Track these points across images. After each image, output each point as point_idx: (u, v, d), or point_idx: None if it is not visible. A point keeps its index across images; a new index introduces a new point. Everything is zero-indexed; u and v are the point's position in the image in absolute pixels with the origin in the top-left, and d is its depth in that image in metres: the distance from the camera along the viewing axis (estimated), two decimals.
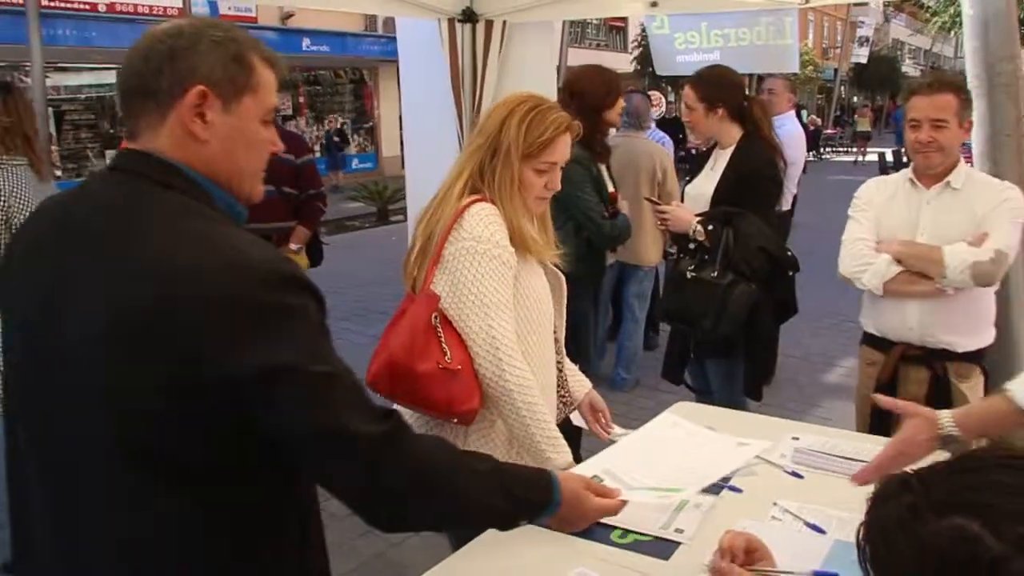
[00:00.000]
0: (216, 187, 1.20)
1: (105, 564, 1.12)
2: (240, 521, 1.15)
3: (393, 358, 1.98)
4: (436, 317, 1.95)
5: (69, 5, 14.61)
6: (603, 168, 3.57)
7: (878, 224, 2.80)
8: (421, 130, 4.44)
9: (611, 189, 3.58)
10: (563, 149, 2.07)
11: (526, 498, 1.40)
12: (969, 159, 3.04)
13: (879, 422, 2.65)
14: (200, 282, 1.05)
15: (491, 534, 1.92)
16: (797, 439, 2.26)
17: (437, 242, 1.99)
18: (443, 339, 1.94)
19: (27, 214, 2.89)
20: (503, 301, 1.93)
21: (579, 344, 3.79)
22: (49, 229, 1.21)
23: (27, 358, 1.17)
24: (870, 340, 2.95)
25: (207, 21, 1.22)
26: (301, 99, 21.46)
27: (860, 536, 1.02)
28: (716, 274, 3.01)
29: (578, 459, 2.98)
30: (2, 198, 3.03)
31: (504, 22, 4.06)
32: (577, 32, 25.75)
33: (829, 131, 30.25)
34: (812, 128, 27.27)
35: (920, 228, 2.73)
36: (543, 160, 2.04)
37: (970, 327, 2.78)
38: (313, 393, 1.11)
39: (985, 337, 2.82)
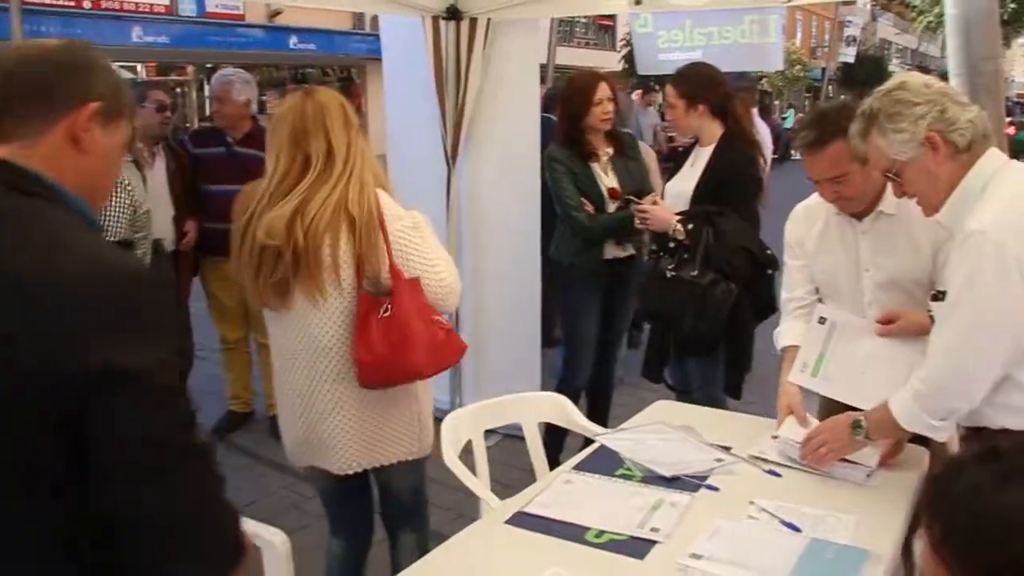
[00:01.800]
0: (76, 196, 1.25)
1: None
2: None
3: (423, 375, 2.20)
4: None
5: (54, 1, 14.50)
6: (597, 166, 3.60)
7: (815, 264, 2.42)
8: (405, 129, 4.40)
9: (611, 185, 3.59)
10: None
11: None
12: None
13: None
14: (58, 285, 1.11)
15: (465, 535, 1.92)
16: (776, 437, 2.26)
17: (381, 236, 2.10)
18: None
19: (145, 208, 3.66)
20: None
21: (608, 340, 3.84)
22: None
23: None
24: None
25: (88, 45, 1.32)
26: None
27: (927, 516, 1.02)
28: (696, 273, 2.99)
29: (557, 462, 3.00)
30: (129, 191, 3.58)
31: (488, 20, 4.03)
32: (566, 31, 25.76)
33: None
34: (797, 126, 27.30)
35: (863, 264, 2.29)
36: None
37: None
38: (156, 402, 1.15)
39: None
